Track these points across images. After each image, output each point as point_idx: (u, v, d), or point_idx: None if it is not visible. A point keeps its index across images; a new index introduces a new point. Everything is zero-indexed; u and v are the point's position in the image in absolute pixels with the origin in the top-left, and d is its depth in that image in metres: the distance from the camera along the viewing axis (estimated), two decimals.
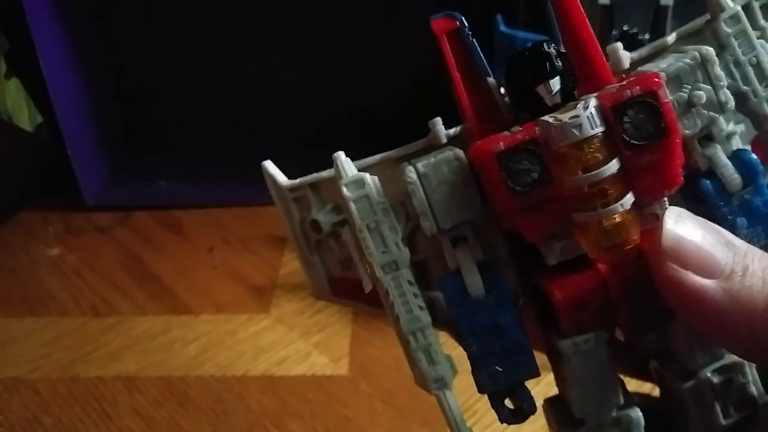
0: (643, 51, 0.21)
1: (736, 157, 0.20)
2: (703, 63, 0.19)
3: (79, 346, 0.55)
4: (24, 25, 0.63)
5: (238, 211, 0.73)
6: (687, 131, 0.19)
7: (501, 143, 0.17)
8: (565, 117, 0.17)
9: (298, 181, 0.22)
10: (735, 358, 0.20)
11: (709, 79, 0.19)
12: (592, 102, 0.17)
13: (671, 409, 0.21)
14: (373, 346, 0.54)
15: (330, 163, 0.21)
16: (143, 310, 0.59)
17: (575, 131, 0.17)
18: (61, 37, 0.70)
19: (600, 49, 0.18)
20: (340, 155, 0.20)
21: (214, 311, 0.59)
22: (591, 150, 0.17)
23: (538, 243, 0.19)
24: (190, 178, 0.79)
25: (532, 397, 0.20)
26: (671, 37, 0.21)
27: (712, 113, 0.19)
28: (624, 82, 0.17)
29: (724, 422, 0.20)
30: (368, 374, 0.52)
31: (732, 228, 0.19)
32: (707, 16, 0.20)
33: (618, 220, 0.18)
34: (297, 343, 0.55)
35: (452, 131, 0.20)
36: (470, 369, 0.20)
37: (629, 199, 0.18)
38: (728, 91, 0.19)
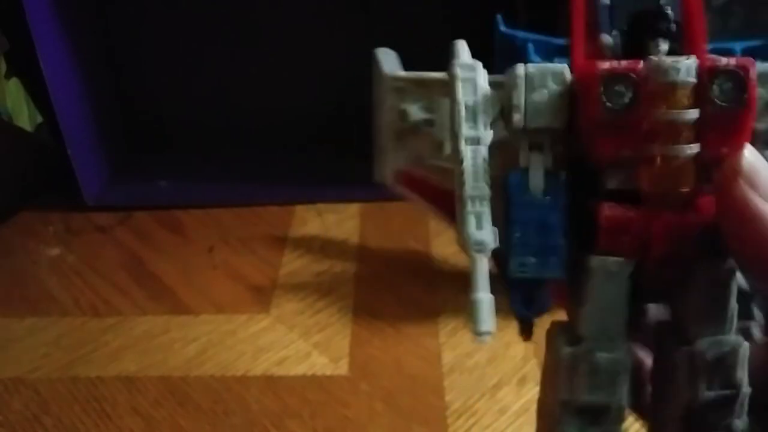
0: None
1: None
2: None
3: (79, 346, 0.55)
4: (24, 25, 0.63)
5: (238, 211, 0.73)
6: (759, 125, 0.21)
7: (607, 64, 0.20)
8: (669, 59, 0.20)
9: (403, 73, 0.25)
10: (732, 340, 0.21)
11: None
12: (694, 59, 0.20)
13: (659, 377, 0.23)
14: (373, 346, 0.54)
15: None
16: (143, 310, 0.60)
17: (673, 73, 0.20)
18: (61, 37, 0.70)
19: (705, 31, 0.21)
20: (461, 41, 0.23)
21: (214, 311, 0.59)
22: (680, 93, 0.20)
23: (606, 163, 0.21)
24: (190, 178, 0.79)
25: (549, 298, 0.22)
26: None
27: None
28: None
29: (706, 393, 0.21)
30: (368, 374, 0.52)
31: None
32: None
33: (682, 161, 0.20)
34: (297, 343, 0.55)
35: None
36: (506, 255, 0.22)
37: (696, 147, 0.20)
38: None
